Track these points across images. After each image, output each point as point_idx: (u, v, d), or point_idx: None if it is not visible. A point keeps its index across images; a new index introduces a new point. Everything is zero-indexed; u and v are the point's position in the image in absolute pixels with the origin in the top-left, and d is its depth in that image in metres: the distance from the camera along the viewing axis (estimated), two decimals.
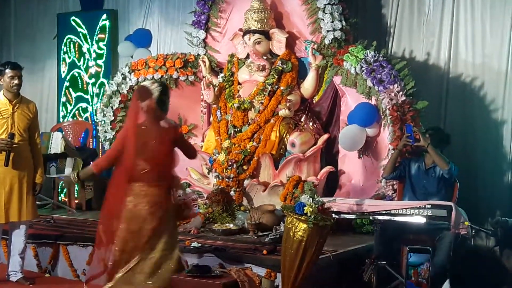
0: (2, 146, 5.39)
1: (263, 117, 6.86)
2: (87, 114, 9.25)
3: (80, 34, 9.35)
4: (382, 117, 6.29)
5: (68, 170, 7.77)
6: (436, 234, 5.08)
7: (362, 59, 6.37)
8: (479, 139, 6.65)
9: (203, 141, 7.42)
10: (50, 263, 6.15)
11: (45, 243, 6.19)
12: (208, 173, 7.05)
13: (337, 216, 5.02)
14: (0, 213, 5.49)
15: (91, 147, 8.70)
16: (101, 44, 9.17)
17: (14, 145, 5.46)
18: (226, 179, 6.68)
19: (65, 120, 9.32)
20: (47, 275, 6.12)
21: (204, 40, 7.60)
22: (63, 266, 6.08)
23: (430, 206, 4.91)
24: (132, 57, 8.13)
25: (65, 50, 9.52)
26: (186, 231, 6.02)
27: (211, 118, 7.46)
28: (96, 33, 9.20)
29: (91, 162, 8.28)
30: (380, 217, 5.03)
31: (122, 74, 7.62)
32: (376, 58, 6.35)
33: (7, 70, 5.56)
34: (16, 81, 5.54)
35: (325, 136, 6.83)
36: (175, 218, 4.57)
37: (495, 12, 6.60)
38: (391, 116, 6.08)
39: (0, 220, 5.51)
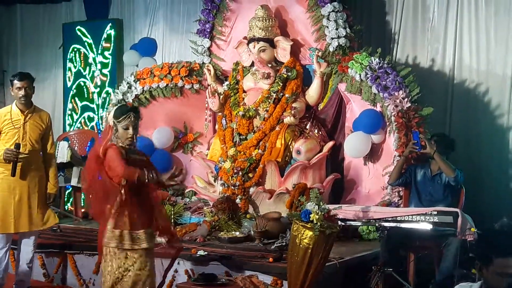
0: (8, 156, 5.40)
1: (268, 125, 6.87)
2: (93, 123, 9.28)
3: (86, 43, 9.39)
4: (387, 123, 6.29)
5: (74, 180, 7.79)
6: (442, 241, 5.08)
7: (367, 66, 6.38)
8: (484, 145, 6.65)
9: (208, 149, 7.44)
10: (56, 272, 6.15)
11: (52, 252, 6.19)
12: (214, 181, 7.07)
13: (343, 223, 5.03)
14: (9, 222, 5.51)
15: None
16: (106, 53, 9.21)
17: (24, 155, 5.48)
18: (232, 187, 6.69)
19: (71, 129, 9.35)
20: (54, 284, 6.13)
21: (209, 48, 7.63)
22: (70, 275, 6.08)
23: (436, 212, 4.91)
24: (137, 66, 8.16)
25: (71, 59, 9.56)
26: (192, 239, 6.02)
27: (217, 126, 7.48)
28: (101, 42, 9.24)
29: None
30: (386, 224, 5.03)
31: (128, 83, 7.66)
32: (380, 65, 6.36)
33: (15, 81, 5.58)
34: (22, 92, 5.54)
35: (331, 143, 6.83)
36: None
37: (499, 18, 6.61)
38: (396, 123, 6.08)
39: (9, 229, 5.53)
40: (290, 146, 6.76)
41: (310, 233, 4.48)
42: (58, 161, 7.77)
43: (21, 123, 5.56)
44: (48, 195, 5.69)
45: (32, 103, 5.69)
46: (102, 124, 8.43)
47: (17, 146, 5.43)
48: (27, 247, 5.64)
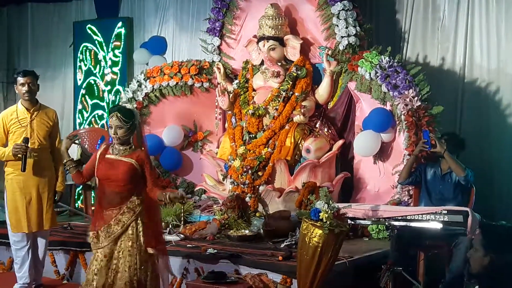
0: (17, 151, 5.38)
1: (278, 123, 6.87)
2: (103, 121, 9.31)
3: (96, 41, 9.42)
4: (397, 122, 6.28)
5: None
6: (452, 240, 5.07)
7: (377, 64, 6.37)
8: (494, 143, 6.62)
9: (218, 147, 7.45)
10: (67, 270, 6.18)
11: (63, 250, 6.23)
12: (224, 180, 7.07)
13: (352, 222, 5.02)
14: (23, 222, 5.52)
15: None
16: (116, 51, 9.24)
17: (34, 153, 5.50)
18: (242, 186, 6.69)
19: (81, 127, 9.38)
20: (64, 281, 6.16)
21: (218, 47, 7.63)
22: (80, 272, 6.11)
23: (446, 211, 4.89)
24: (147, 64, 8.19)
25: (81, 57, 9.58)
26: (202, 237, 6.04)
27: (226, 125, 7.49)
28: (111, 41, 9.26)
29: None
30: (396, 223, 5.01)
31: (138, 81, 7.68)
32: (390, 63, 6.34)
33: (18, 78, 5.57)
34: (25, 88, 5.51)
35: (340, 142, 6.82)
36: None
37: (510, 16, 6.57)
38: (406, 122, 6.07)
39: (24, 229, 5.54)
40: (300, 145, 6.75)
41: (320, 231, 4.48)
42: None
43: (28, 121, 5.55)
44: (56, 193, 5.72)
45: (37, 101, 5.67)
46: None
47: (26, 140, 5.41)
48: (40, 245, 5.67)
